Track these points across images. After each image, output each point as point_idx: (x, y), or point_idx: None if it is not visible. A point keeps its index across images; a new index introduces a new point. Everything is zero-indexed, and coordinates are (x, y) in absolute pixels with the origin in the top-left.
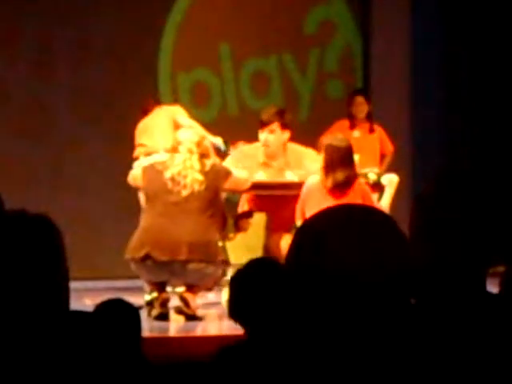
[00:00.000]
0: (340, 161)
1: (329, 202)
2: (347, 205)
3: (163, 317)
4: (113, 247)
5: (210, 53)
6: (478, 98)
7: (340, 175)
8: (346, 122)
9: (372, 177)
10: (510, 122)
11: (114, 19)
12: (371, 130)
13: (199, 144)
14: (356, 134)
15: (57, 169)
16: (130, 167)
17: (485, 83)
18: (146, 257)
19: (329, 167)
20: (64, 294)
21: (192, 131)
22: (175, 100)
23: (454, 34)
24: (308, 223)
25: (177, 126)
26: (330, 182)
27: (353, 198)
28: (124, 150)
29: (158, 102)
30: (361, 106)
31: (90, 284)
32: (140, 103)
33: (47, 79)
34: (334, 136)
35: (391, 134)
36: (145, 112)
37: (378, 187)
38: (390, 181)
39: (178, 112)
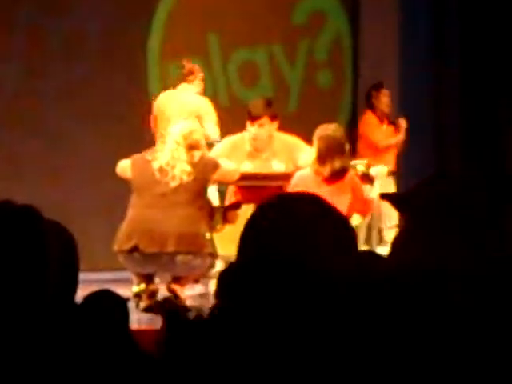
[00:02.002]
0: (337, 149)
1: (321, 191)
2: (282, 195)
3: (151, 309)
4: (100, 239)
5: (198, 43)
6: (468, 91)
7: (337, 163)
8: (372, 116)
9: (361, 168)
10: (498, 110)
11: (106, 10)
12: (396, 128)
13: (187, 136)
14: (384, 128)
15: (45, 161)
16: (118, 158)
17: (476, 76)
18: (134, 249)
19: (327, 156)
20: (48, 285)
21: (183, 124)
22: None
23: (442, 24)
24: (254, 214)
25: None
26: (327, 170)
27: (344, 187)
28: (112, 141)
29: (195, 71)
30: (387, 98)
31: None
32: (129, 96)
33: (37, 72)
34: (327, 126)
35: None
36: (188, 73)
37: (366, 178)
38: (379, 172)
39: (205, 115)
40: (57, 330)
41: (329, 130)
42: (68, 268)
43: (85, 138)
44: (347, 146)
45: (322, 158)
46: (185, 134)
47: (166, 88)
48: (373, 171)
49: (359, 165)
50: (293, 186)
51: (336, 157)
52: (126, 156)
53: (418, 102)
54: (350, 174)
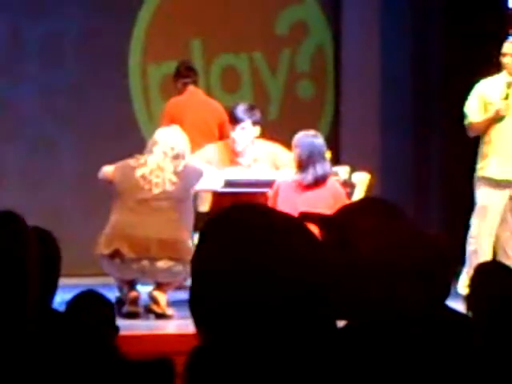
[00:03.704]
0: (319, 156)
1: (302, 197)
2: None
3: (133, 315)
4: (83, 245)
5: (181, 48)
6: (448, 103)
7: (320, 169)
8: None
9: (343, 175)
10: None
11: (86, 12)
12: None
13: (174, 147)
14: None
15: (26, 165)
16: (99, 163)
17: (456, 86)
18: (115, 253)
19: (309, 162)
20: (29, 288)
21: (169, 133)
22: (145, 91)
23: (424, 35)
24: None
25: (222, 127)
26: (310, 176)
27: (325, 194)
28: (95, 147)
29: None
30: None
31: (60, 281)
32: (111, 99)
33: (17, 76)
34: (307, 133)
35: (359, 134)
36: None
37: (348, 185)
38: (360, 179)
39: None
40: (36, 333)
41: (309, 136)
42: (49, 272)
43: (66, 142)
44: (328, 153)
45: (303, 165)
46: (172, 145)
47: (146, 92)
48: (354, 177)
49: (341, 171)
50: (273, 194)
51: (318, 163)
52: (107, 160)
53: (400, 111)
54: (331, 180)
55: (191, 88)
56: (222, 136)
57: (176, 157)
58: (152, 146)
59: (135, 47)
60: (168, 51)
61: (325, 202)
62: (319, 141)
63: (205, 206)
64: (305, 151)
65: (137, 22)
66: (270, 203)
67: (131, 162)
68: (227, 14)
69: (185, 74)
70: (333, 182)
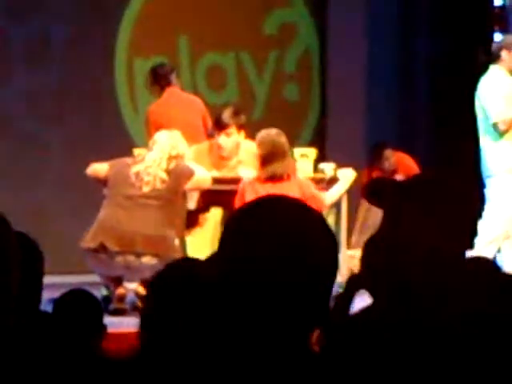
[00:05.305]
0: (280, 154)
1: (268, 191)
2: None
3: (120, 312)
4: (69, 243)
5: (167, 43)
6: (434, 107)
7: (279, 166)
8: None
9: (329, 172)
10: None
11: (72, 10)
12: None
13: (175, 146)
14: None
15: (13, 165)
16: (87, 161)
17: (443, 99)
18: (100, 248)
19: (268, 160)
20: (11, 290)
21: (171, 134)
22: (131, 86)
23: (410, 36)
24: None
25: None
26: (268, 173)
27: (291, 187)
28: (81, 146)
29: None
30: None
31: (47, 279)
32: (98, 99)
33: (3, 76)
34: (270, 131)
35: (346, 139)
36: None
37: (334, 181)
38: (345, 175)
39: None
40: (21, 337)
41: (271, 135)
42: (32, 276)
43: (52, 141)
44: (313, 152)
45: (264, 162)
46: (173, 144)
47: (132, 83)
48: (340, 174)
49: (327, 168)
50: (241, 191)
51: (278, 160)
52: (94, 159)
53: (386, 112)
54: (296, 175)
55: (169, 89)
56: (206, 129)
57: (173, 157)
58: (152, 145)
59: (122, 44)
60: (154, 47)
61: (292, 194)
62: (281, 139)
63: (192, 204)
64: (266, 149)
65: (123, 18)
66: (238, 200)
67: (128, 160)
68: (215, 12)
69: (160, 76)
70: (297, 177)
